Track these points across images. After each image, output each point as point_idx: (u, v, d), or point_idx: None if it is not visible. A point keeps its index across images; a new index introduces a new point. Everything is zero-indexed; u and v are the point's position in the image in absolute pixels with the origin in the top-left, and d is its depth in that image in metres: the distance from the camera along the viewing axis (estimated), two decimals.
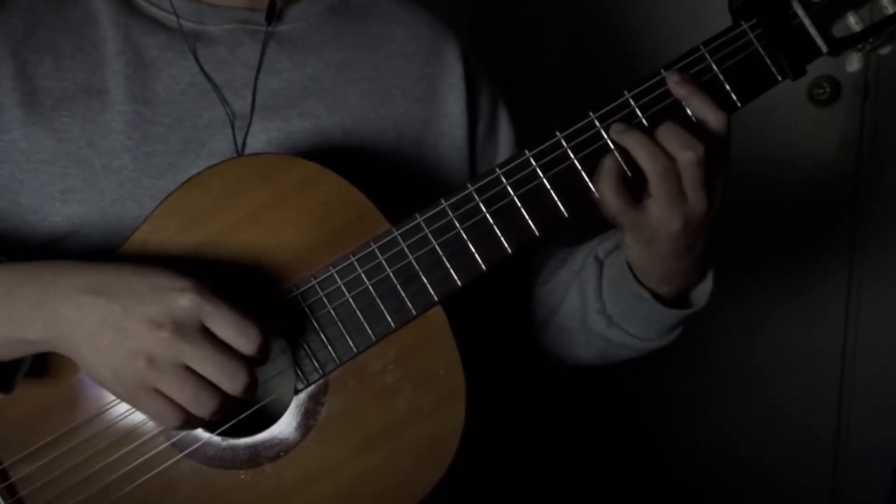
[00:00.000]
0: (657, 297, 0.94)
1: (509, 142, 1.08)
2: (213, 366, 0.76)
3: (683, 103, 0.85)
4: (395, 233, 0.85)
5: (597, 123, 0.85)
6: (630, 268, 0.94)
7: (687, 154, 0.82)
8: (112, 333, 0.76)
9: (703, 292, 0.97)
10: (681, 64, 0.86)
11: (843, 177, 1.94)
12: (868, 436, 2.01)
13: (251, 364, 0.77)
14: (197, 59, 0.95)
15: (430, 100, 1.03)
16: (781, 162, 1.93)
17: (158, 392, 0.76)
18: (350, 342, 0.85)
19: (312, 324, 0.85)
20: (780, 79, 0.87)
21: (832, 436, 2.04)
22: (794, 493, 2.06)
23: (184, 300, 0.76)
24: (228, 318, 0.76)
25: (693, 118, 0.86)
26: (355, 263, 0.85)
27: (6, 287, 0.79)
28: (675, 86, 0.85)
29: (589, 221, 0.97)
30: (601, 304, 0.99)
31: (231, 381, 0.76)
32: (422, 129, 1.02)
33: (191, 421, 0.78)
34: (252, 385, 0.77)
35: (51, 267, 0.80)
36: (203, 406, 0.76)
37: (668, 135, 0.83)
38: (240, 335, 0.76)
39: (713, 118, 0.85)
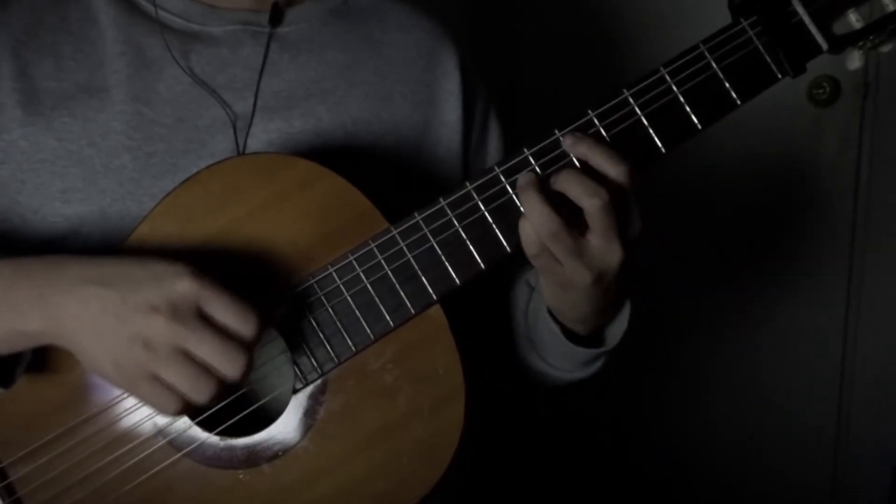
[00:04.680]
0: (574, 333, 0.95)
1: (498, 151, 1.08)
2: (210, 350, 0.75)
3: (586, 160, 0.84)
4: (394, 231, 0.85)
5: (596, 122, 0.85)
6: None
7: (592, 201, 0.81)
8: (111, 321, 0.76)
9: (616, 333, 0.97)
10: (679, 62, 0.86)
11: (843, 177, 1.94)
12: (868, 436, 2.01)
13: (249, 348, 0.77)
14: (181, 67, 0.94)
15: (429, 105, 1.03)
16: (781, 162, 1.94)
17: (157, 378, 0.76)
18: (349, 341, 0.85)
19: (311, 323, 0.85)
20: (779, 77, 0.87)
21: (832, 436, 2.04)
22: (794, 493, 2.06)
23: (181, 285, 0.76)
24: (226, 302, 0.76)
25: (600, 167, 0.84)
26: (354, 262, 0.85)
27: (6, 281, 0.79)
28: (571, 148, 0.84)
29: None
30: (525, 329, 1.01)
31: (229, 365, 0.76)
32: (421, 133, 1.02)
33: (189, 408, 0.78)
34: (249, 368, 0.77)
35: (52, 260, 0.80)
36: (201, 391, 0.76)
37: (570, 183, 0.82)
38: (237, 318, 0.76)
39: (614, 172, 0.83)
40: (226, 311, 0.76)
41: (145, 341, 0.75)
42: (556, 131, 0.86)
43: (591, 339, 0.97)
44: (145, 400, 0.79)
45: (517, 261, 0.86)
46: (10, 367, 0.82)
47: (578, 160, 0.84)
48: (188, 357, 0.76)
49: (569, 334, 0.95)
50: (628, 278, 0.88)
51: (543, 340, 0.98)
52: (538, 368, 1.01)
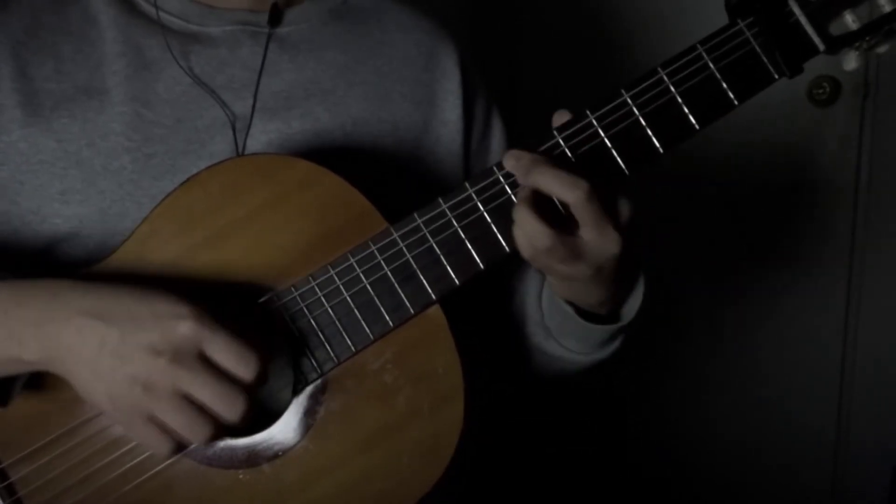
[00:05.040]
0: (588, 312, 0.95)
1: (501, 149, 1.08)
2: (210, 393, 0.75)
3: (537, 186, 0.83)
4: (394, 234, 0.85)
5: (594, 123, 0.85)
6: None
7: (575, 193, 0.80)
8: (110, 359, 0.76)
9: (631, 308, 0.96)
10: (677, 63, 0.86)
11: (843, 177, 1.94)
12: (868, 436, 2.01)
13: (249, 391, 0.77)
14: (182, 67, 0.94)
15: (429, 105, 1.03)
16: (781, 162, 1.94)
17: (153, 419, 0.76)
18: (348, 341, 0.85)
19: (311, 323, 0.85)
20: (776, 77, 0.87)
21: (832, 436, 2.04)
22: (794, 493, 2.06)
23: (183, 327, 0.75)
24: (227, 345, 0.76)
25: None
26: (354, 263, 0.85)
27: (2, 306, 0.79)
28: (516, 170, 0.83)
29: None
30: (540, 315, 1.00)
31: (228, 409, 0.76)
32: (420, 133, 1.02)
33: (182, 448, 0.78)
34: (249, 413, 0.77)
35: (48, 287, 0.80)
36: (197, 434, 0.76)
37: (548, 180, 0.81)
38: (238, 362, 0.76)
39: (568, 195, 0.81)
40: (227, 354, 0.76)
41: (145, 383, 0.75)
42: (556, 132, 0.86)
43: (607, 318, 0.96)
44: (139, 439, 0.79)
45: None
46: (7, 387, 0.82)
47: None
48: (187, 399, 0.76)
49: (584, 315, 0.95)
50: (634, 257, 0.87)
51: (559, 324, 0.98)
52: (556, 354, 1.01)
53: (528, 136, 0.87)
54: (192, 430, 0.76)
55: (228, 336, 0.76)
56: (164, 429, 0.76)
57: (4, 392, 0.82)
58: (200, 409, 0.76)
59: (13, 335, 0.78)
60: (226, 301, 0.80)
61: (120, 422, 0.79)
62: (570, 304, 0.95)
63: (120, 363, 0.75)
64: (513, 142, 1.09)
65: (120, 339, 0.76)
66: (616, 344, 1.00)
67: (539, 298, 1.01)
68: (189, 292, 0.78)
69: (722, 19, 0.88)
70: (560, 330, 0.99)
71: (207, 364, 0.76)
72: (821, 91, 1.87)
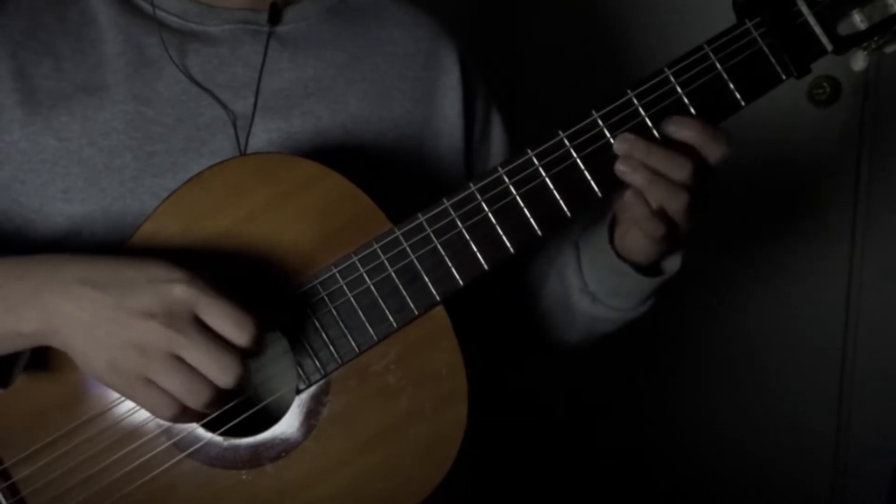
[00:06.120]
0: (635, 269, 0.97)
1: (502, 146, 1.08)
2: (204, 356, 0.75)
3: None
4: (397, 232, 0.85)
5: (599, 122, 0.85)
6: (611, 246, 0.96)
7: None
8: (106, 324, 0.76)
9: (674, 260, 1.00)
10: (683, 63, 0.86)
11: (843, 177, 1.94)
12: (868, 435, 2.01)
13: (244, 356, 0.77)
14: (178, 67, 0.94)
15: (429, 101, 1.03)
16: (781, 162, 1.93)
17: (152, 383, 0.76)
18: (352, 342, 0.85)
19: (314, 323, 0.85)
20: (784, 77, 0.87)
21: (832, 435, 2.04)
22: (794, 493, 2.06)
23: (177, 290, 0.75)
24: (222, 308, 0.76)
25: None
26: (357, 263, 0.85)
27: (1, 280, 0.79)
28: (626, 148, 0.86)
29: (590, 219, 0.98)
30: (583, 284, 1.01)
31: (221, 373, 0.75)
32: (420, 129, 1.02)
33: (186, 413, 0.78)
34: (244, 377, 0.77)
35: (47, 261, 0.80)
36: (196, 397, 0.76)
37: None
38: (234, 326, 0.76)
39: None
40: (222, 319, 0.76)
41: (140, 346, 0.75)
42: (560, 132, 0.86)
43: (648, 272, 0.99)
44: (142, 404, 0.79)
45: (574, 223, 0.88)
46: (8, 367, 0.82)
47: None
48: (183, 363, 0.75)
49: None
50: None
51: (610, 285, 0.99)
52: (602, 316, 1.02)
53: (528, 136, 0.87)
54: (190, 393, 0.75)
55: (223, 300, 0.76)
56: (162, 392, 0.76)
57: (6, 372, 0.82)
58: (196, 372, 0.76)
59: (11, 308, 0.78)
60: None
61: (120, 389, 0.78)
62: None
63: (117, 328, 0.75)
64: (513, 141, 1.09)
65: (115, 305, 0.76)
66: (652, 301, 1.02)
67: (579, 270, 1.01)
68: None
69: (727, 19, 0.88)
70: (609, 291, 1.00)
71: (202, 327, 0.76)
72: (821, 91, 1.87)
